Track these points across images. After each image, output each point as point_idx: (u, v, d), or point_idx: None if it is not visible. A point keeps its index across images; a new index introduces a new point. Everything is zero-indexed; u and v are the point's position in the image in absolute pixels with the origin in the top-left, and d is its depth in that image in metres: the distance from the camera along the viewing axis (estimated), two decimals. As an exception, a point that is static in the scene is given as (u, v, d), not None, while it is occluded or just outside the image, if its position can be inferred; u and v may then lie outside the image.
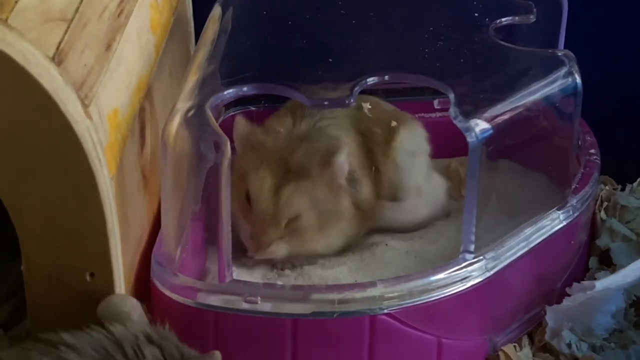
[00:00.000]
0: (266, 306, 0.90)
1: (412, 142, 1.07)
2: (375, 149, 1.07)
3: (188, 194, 0.93)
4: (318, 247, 1.04)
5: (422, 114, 1.14)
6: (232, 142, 0.96)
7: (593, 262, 1.09)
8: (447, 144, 1.08)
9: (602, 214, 1.14)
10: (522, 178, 1.02)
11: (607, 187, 1.19)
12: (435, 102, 1.00)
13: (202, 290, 0.91)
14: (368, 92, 1.03)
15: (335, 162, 1.01)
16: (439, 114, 1.10)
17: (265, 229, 1.01)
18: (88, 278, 0.88)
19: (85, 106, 0.84)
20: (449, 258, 0.97)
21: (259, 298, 0.90)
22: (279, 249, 1.02)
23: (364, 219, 1.06)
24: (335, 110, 1.05)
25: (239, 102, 1.13)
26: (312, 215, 1.02)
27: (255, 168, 1.02)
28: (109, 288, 0.88)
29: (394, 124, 1.07)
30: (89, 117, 0.84)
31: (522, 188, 1.02)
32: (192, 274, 0.93)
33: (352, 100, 0.93)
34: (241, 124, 1.03)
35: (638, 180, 1.19)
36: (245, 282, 0.93)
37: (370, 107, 1.07)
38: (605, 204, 1.15)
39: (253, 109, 1.16)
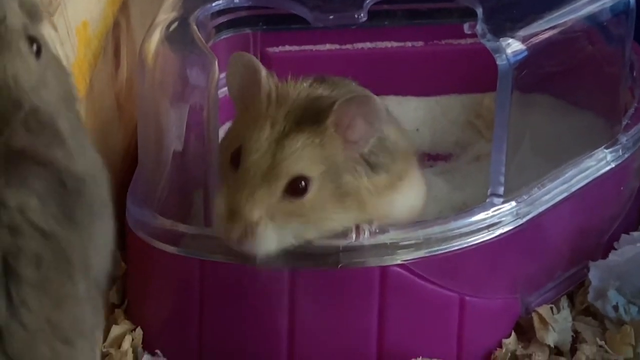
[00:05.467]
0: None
1: None
2: None
3: (170, 125, 0.94)
4: (319, 234, 0.92)
5: (451, 40, 1.15)
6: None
7: None
8: (479, 76, 1.08)
9: None
10: (563, 111, 1.02)
11: None
12: (466, 26, 1.00)
13: (187, 235, 0.91)
14: (384, 14, 1.04)
15: (369, 103, 0.89)
16: (470, 41, 1.10)
17: (252, 192, 0.86)
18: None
19: (49, 14, 0.83)
20: (478, 205, 0.98)
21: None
22: (266, 238, 0.87)
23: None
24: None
25: (232, 23, 1.11)
26: (326, 183, 0.91)
27: (253, 119, 0.90)
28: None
29: None
30: (54, 27, 0.84)
31: (563, 123, 1.02)
32: (173, 216, 0.93)
33: (362, 15, 0.94)
34: (242, 59, 0.92)
35: None
36: None
37: None
38: None
39: (249, 31, 1.15)
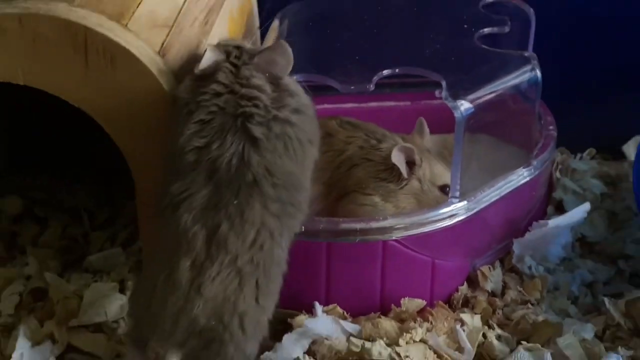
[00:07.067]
0: (308, 232, 0.90)
1: None
2: None
3: None
4: None
5: (427, 101, 1.15)
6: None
7: (550, 209, 1.11)
8: (445, 123, 1.02)
9: (558, 174, 1.16)
10: (496, 145, 1.02)
11: (563, 155, 1.22)
12: (437, 92, 0.96)
13: None
14: (387, 84, 1.05)
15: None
16: (439, 101, 1.02)
17: None
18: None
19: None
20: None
21: (303, 227, 0.88)
22: None
23: None
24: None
25: None
26: None
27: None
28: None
29: None
30: None
31: (496, 152, 1.02)
32: None
33: (371, 86, 0.95)
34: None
35: (587, 151, 1.23)
36: None
37: None
38: (560, 166, 1.18)
39: None
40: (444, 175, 0.98)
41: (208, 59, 0.83)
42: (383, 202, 0.98)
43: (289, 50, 0.83)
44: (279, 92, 0.82)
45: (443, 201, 0.96)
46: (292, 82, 0.85)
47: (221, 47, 0.85)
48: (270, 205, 0.78)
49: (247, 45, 0.86)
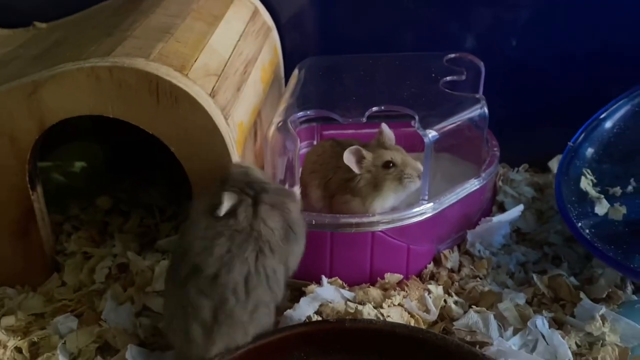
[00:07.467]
0: (317, 225, 0.91)
1: None
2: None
3: (278, 167, 0.94)
4: None
5: (404, 128, 1.09)
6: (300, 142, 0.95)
7: (494, 209, 1.10)
8: (417, 145, 1.02)
9: (500, 183, 1.16)
10: (455, 161, 1.01)
11: (504, 169, 1.20)
12: (412, 122, 0.95)
13: None
14: (375, 117, 1.02)
15: None
16: (412, 129, 0.99)
17: None
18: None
19: (226, 119, 0.87)
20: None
21: (313, 221, 0.91)
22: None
23: None
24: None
25: (306, 121, 1.11)
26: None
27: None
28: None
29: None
30: (228, 125, 0.87)
31: (455, 166, 1.01)
32: None
33: (364, 120, 0.94)
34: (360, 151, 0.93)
35: (522, 166, 1.21)
36: (306, 213, 0.90)
37: None
38: (502, 177, 1.17)
39: (314, 124, 1.15)
40: (384, 154, 0.92)
41: (227, 205, 0.76)
42: (352, 197, 0.94)
43: (298, 195, 0.82)
44: (286, 228, 0.79)
45: (387, 175, 0.92)
46: (297, 217, 0.80)
47: (237, 188, 0.78)
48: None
49: (257, 173, 0.81)
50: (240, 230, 0.74)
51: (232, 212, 0.75)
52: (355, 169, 0.93)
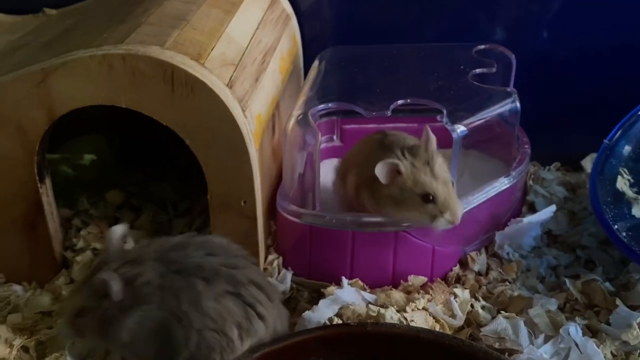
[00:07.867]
0: (338, 224, 0.90)
1: None
2: None
3: (297, 162, 0.94)
4: None
5: (432, 123, 1.06)
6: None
7: (524, 209, 1.08)
8: (446, 140, 0.98)
9: (531, 182, 1.13)
10: (484, 159, 1.00)
11: (535, 167, 1.17)
12: (439, 117, 0.95)
13: (304, 214, 0.92)
14: (400, 111, 1.00)
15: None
16: (439, 124, 0.98)
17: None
18: (242, 203, 0.88)
19: (243, 111, 0.86)
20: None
21: (334, 219, 0.90)
22: None
23: None
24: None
25: (327, 114, 1.10)
26: None
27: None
28: (253, 209, 0.88)
29: None
30: (245, 117, 0.87)
31: (484, 164, 1.00)
32: (298, 205, 0.94)
33: (388, 113, 0.92)
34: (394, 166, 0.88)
35: (553, 164, 1.19)
36: (326, 211, 0.92)
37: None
38: (532, 176, 1.14)
39: (335, 118, 1.14)
40: (426, 184, 0.86)
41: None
42: (370, 198, 0.91)
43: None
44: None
45: (421, 207, 0.87)
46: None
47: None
48: None
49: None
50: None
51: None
52: (383, 180, 0.88)
